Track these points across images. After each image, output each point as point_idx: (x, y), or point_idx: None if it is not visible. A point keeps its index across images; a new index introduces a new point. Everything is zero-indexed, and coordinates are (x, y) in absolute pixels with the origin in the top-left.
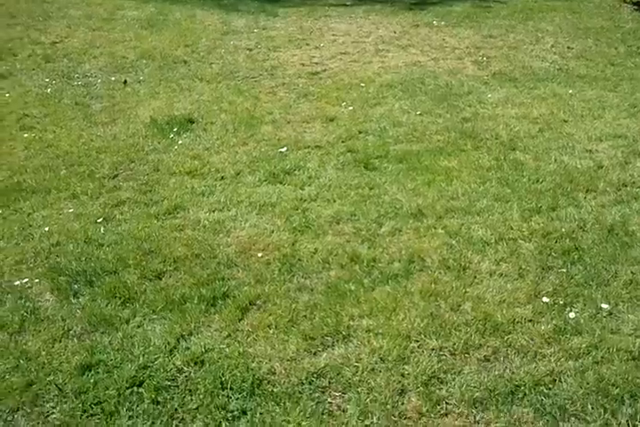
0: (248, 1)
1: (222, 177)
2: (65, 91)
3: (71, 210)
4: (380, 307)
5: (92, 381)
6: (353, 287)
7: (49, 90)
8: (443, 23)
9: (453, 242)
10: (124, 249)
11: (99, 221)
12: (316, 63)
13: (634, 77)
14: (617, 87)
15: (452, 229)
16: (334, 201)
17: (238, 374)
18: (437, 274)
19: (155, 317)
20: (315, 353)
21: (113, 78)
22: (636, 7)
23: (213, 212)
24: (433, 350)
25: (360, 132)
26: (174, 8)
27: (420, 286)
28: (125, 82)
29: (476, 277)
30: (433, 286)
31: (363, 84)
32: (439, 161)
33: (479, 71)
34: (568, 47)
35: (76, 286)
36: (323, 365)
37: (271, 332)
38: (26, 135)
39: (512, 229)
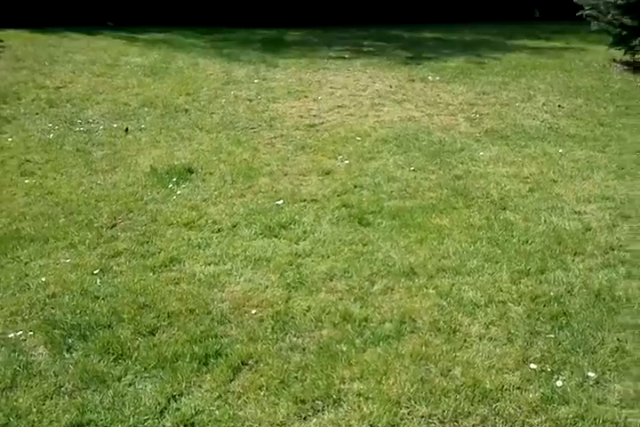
0: (249, 51)
1: (219, 229)
2: (67, 137)
3: (68, 260)
4: (371, 370)
5: None
6: (345, 348)
7: (51, 135)
8: (438, 78)
9: (444, 303)
10: (120, 302)
11: (95, 272)
12: (314, 115)
13: (622, 138)
14: (605, 148)
15: (443, 289)
16: (328, 257)
17: None
18: (428, 336)
19: (147, 375)
20: (305, 418)
21: (115, 125)
22: (625, 67)
23: (209, 265)
24: (422, 417)
25: (355, 187)
26: (177, 56)
27: (410, 348)
28: (127, 129)
29: (465, 340)
30: (424, 348)
31: (359, 138)
32: (431, 218)
33: (472, 128)
34: (559, 106)
35: (69, 340)
36: None
37: (262, 394)
38: (27, 181)
39: (501, 291)
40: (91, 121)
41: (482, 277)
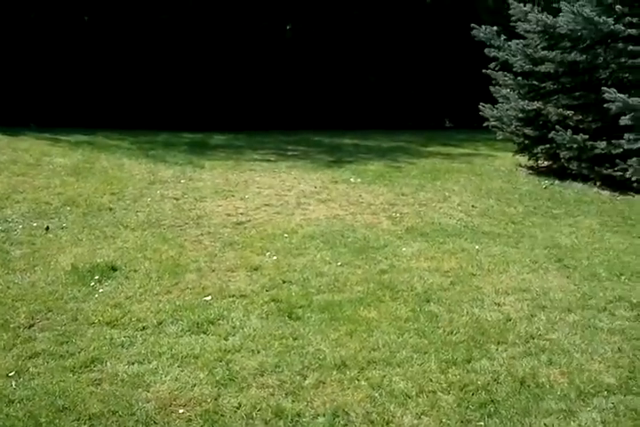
0: (175, 152)
1: (143, 327)
2: None
3: None
4: None
5: None
6: None
7: None
8: (359, 180)
9: (376, 394)
10: (37, 406)
11: (10, 374)
12: (241, 213)
13: (532, 235)
14: (518, 243)
15: (374, 381)
16: (258, 352)
17: None
18: None
19: None
20: None
21: (35, 224)
22: (530, 171)
23: (133, 364)
24: None
25: (284, 282)
26: (102, 156)
27: None
28: (47, 228)
29: None
30: None
31: (286, 235)
32: (360, 311)
33: (393, 226)
34: (472, 206)
35: None
36: None
37: None
38: None
39: (431, 381)
40: (9, 220)
41: (411, 367)
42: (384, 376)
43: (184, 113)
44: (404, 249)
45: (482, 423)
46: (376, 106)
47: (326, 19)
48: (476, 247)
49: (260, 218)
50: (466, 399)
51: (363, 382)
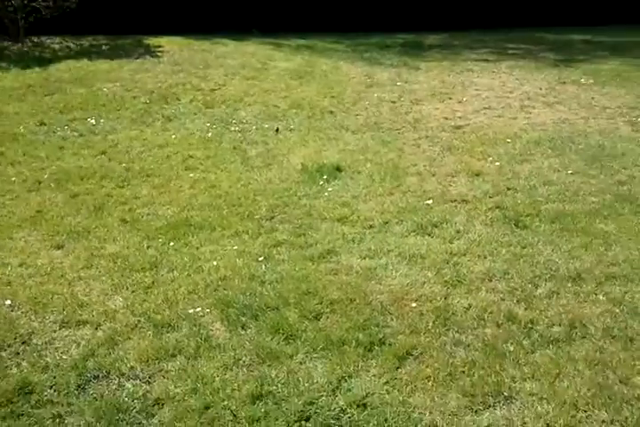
0: (390, 55)
1: (371, 225)
2: (224, 135)
3: (235, 247)
4: (542, 371)
5: (262, 410)
6: (512, 348)
7: (210, 134)
8: (591, 81)
9: (617, 310)
10: (284, 288)
11: (260, 259)
12: (460, 117)
13: None
14: None
15: (614, 296)
16: (485, 257)
17: (401, 423)
18: (602, 343)
19: (316, 355)
20: (476, 411)
21: (266, 126)
22: None
23: (364, 259)
24: (604, 422)
25: (508, 189)
26: (321, 60)
27: (583, 353)
28: (277, 130)
29: None
30: (598, 354)
31: (509, 140)
32: (595, 224)
33: (634, 133)
34: None
35: (243, 319)
36: (486, 424)
37: (430, 384)
38: (191, 175)
39: None
40: (244, 121)
41: None
42: (625, 293)
43: (396, 13)
44: None
45: None
46: None
47: None
48: None
49: (480, 122)
50: None
51: (601, 297)
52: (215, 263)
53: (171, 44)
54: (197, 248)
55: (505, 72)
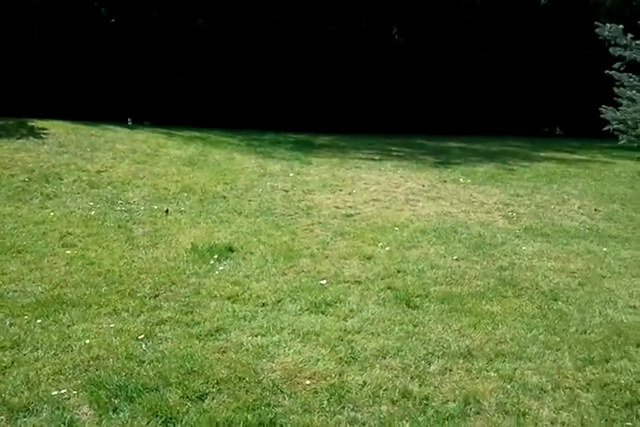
0: (282, 150)
1: (263, 303)
2: (108, 214)
3: (112, 325)
4: None
5: None
6: (407, 425)
7: (93, 212)
8: (469, 181)
9: (508, 386)
10: (166, 367)
11: (140, 337)
12: (350, 207)
13: None
14: None
15: (504, 372)
16: (379, 335)
17: None
18: (496, 418)
19: None
20: None
21: (155, 207)
22: None
23: (256, 336)
24: None
25: (399, 272)
26: (214, 151)
27: None
28: (167, 211)
29: (537, 424)
30: None
31: (397, 229)
32: (482, 305)
33: (510, 225)
34: (595, 209)
35: (115, 401)
36: None
37: None
38: (68, 252)
39: (567, 377)
40: (131, 202)
41: (544, 363)
42: (515, 369)
43: (289, 114)
44: (524, 248)
45: (629, 424)
46: (480, 111)
47: (434, 23)
48: (604, 250)
49: (369, 211)
50: (608, 398)
51: (492, 373)
52: (87, 342)
53: (57, 127)
54: (68, 326)
55: (390, 170)
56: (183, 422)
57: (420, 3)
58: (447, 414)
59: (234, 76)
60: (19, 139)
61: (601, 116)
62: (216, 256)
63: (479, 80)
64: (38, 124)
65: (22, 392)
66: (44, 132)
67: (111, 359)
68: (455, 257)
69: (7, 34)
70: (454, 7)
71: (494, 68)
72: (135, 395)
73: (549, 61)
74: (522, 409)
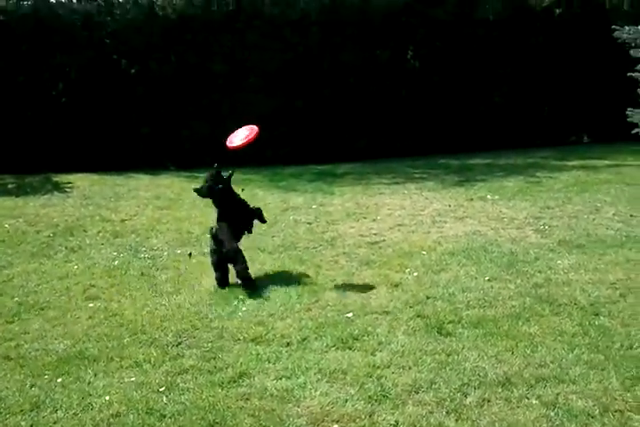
0: (305, 182)
1: (288, 343)
2: (132, 263)
3: (133, 378)
4: None
5: None
6: None
7: (116, 262)
8: (497, 197)
9: (552, 414)
10: (187, 420)
11: (161, 390)
12: (375, 234)
13: None
14: None
15: (547, 399)
16: (410, 368)
17: None
18: None
19: None
20: None
21: (179, 251)
22: None
23: (281, 379)
24: None
25: (428, 298)
26: (235, 189)
27: None
28: (190, 254)
29: None
30: None
31: (424, 252)
32: (518, 326)
33: (542, 239)
34: (631, 215)
35: None
36: None
37: None
38: (91, 305)
39: (615, 399)
40: (155, 248)
41: (589, 385)
42: (558, 394)
43: (310, 147)
44: (558, 262)
45: None
46: (505, 125)
47: (449, 42)
48: None
49: (395, 237)
50: None
51: (533, 401)
52: (108, 398)
53: (81, 180)
54: (89, 383)
55: (415, 193)
56: None
57: (433, 23)
58: None
59: (254, 115)
60: (44, 195)
61: (628, 119)
62: (240, 297)
63: (501, 94)
64: (63, 178)
65: None
66: (69, 185)
67: (131, 415)
68: (487, 278)
69: (29, 92)
70: (467, 25)
71: (515, 81)
72: None
73: (569, 69)
74: None
